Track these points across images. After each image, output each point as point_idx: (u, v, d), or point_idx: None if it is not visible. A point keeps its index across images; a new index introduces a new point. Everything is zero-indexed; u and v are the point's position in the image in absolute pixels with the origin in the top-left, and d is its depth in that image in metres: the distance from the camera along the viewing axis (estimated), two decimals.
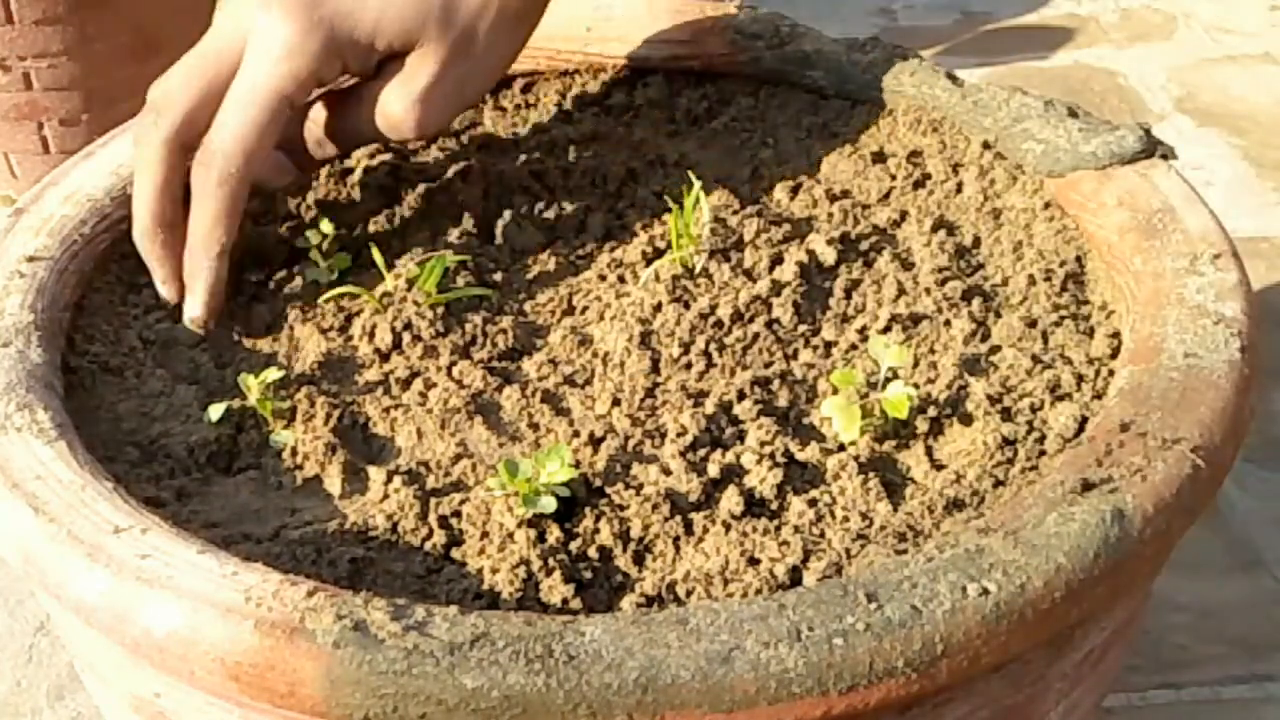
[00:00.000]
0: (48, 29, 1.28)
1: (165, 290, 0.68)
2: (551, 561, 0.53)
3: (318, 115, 0.71)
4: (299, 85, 0.66)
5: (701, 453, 0.58)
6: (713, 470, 0.57)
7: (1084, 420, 0.58)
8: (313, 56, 0.65)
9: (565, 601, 0.52)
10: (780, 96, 0.82)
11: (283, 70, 0.65)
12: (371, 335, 0.66)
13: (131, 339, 0.67)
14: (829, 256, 0.69)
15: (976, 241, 0.71)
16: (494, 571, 0.53)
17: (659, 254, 0.70)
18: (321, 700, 0.47)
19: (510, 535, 0.54)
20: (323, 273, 0.70)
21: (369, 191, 0.76)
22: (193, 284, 0.67)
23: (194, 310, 0.67)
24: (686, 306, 0.66)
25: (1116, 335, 0.63)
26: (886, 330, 0.65)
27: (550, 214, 0.75)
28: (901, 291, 0.67)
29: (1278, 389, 1.12)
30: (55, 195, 0.71)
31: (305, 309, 0.68)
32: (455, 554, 0.54)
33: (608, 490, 0.56)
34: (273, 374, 0.62)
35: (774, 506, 0.56)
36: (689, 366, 0.63)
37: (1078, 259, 0.69)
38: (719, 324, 0.65)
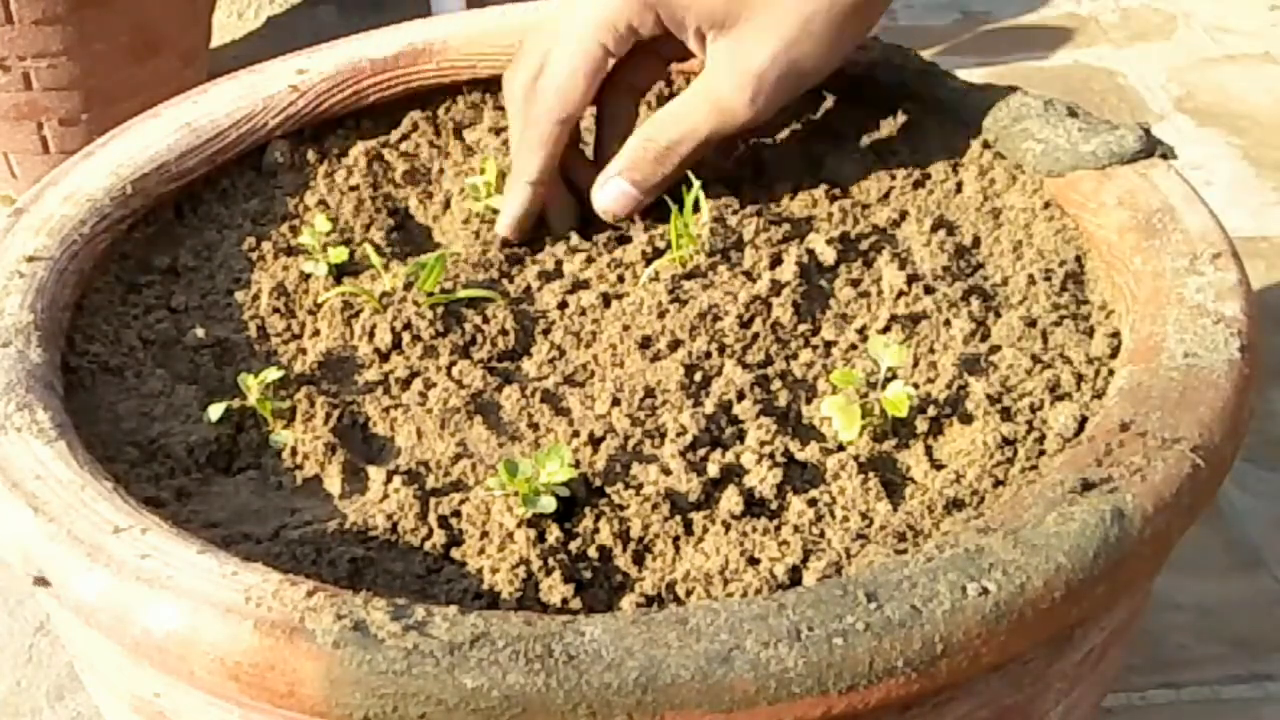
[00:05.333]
0: (48, 29, 1.27)
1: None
2: (551, 561, 0.53)
3: (650, 132, 0.72)
4: (614, 32, 0.69)
5: (701, 452, 0.58)
6: (712, 470, 0.57)
7: (1084, 420, 0.58)
8: (625, 3, 0.68)
9: (565, 601, 0.52)
10: None
11: (598, 17, 0.69)
12: (371, 335, 0.66)
13: (131, 339, 0.67)
14: (829, 256, 0.69)
15: (976, 241, 0.71)
16: (494, 571, 0.53)
17: (659, 254, 0.70)
18: (321, 700, 0.47)
19: (510, 535, 0.54)
20: (320, 272, 0.70)
21: (368, 191, 0.76)
22: (506, 204, 0.72)
23: (500, 227, 0.72)
24: (686, 306, 0.66)
25: (1116, 335, 0.63)
26: (886, 330, 0.65)
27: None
28: (901, 291, 0.67)
29: (1278, 389, 1.12)
30: (55, 195, 0.71)
31: (304, 309, 0.68)
32: (455, 554, 0.54)
33: (607, 490, 0.56)
34: (272, 374, 0.62)
35: (774, 506, 0.56)
36: (689, 366, 0.63)
37: (1077, 259, 0.69)
38: (718, 324, 0.65)
